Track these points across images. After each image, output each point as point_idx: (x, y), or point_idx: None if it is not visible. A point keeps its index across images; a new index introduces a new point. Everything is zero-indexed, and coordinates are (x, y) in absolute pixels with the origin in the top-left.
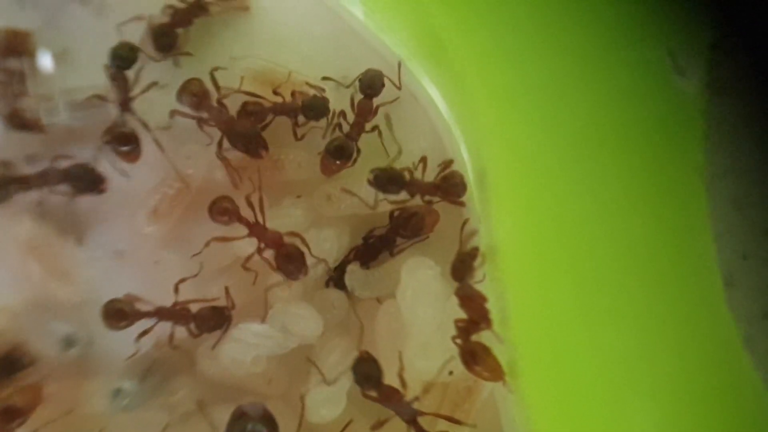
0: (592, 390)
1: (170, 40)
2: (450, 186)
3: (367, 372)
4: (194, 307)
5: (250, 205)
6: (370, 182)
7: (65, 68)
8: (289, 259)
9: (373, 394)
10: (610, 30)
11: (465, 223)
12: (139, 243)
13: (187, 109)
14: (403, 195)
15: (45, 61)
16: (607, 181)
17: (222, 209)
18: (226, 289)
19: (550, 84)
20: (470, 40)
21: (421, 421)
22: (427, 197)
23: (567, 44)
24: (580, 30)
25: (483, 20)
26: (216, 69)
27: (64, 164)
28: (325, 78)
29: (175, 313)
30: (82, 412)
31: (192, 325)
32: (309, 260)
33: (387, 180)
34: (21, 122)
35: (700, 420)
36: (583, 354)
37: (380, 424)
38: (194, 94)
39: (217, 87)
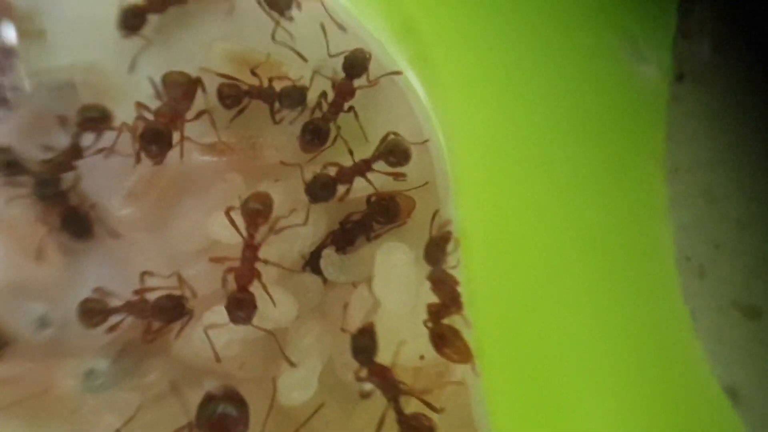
0: (549, 373)
1: (138, 23)
2: (387, 153)
3: (364, 344)
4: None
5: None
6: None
7: (41, 49)
8: (240, 306)
9: (365, 367)
10: (572, 16)
11: (436, 212)
12: (114, 225)
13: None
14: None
15: (21, 42)
16: (567, 167)
17: (255, 212)
18: (179, 276)
19: (512, 70)
20: (436, 25)
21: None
22: (369, 174)
23: (530, 29)
24: (543, 15)
25: (448, 4)
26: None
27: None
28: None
29: (138, 307)
30: (54, 392)
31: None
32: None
33: (319, 189)
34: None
35: (650, 402)
36: (541, 337)
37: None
38: (172, 84)
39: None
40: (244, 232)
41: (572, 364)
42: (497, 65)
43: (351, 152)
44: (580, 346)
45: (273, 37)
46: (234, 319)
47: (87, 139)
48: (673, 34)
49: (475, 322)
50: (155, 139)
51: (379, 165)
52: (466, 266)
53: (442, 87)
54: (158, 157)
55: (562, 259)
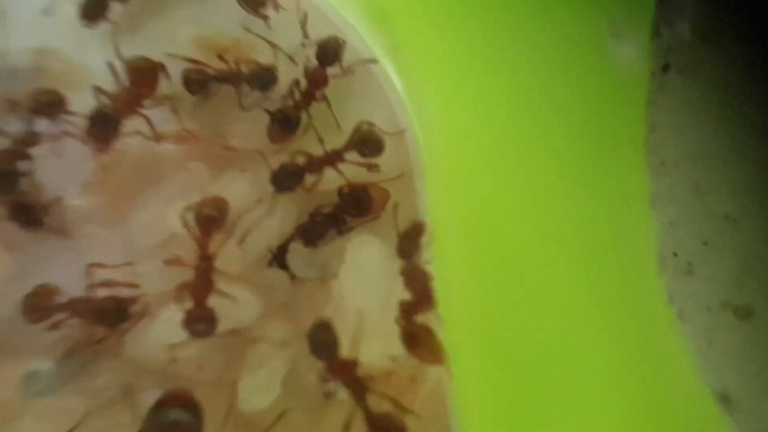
0: (526, 376)
1: (101, 10)
2: (360, 143)
3: (323, 339)
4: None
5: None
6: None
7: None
8: (198, 320)
9: (328, 364)
10: None
11: (405, 204)
12: (68, 216)
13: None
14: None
15: None
16: (546, 157)
17: (208, 219)
18: (109, 282)
19: (490, 57)
20: (412, 11)
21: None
22: (340, 165)
23: (507, 14)
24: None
25: None
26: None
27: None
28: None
29: (81, 308)
30: None
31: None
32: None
33: (286, 178)
34: None
35: (633, 408)
36: (517, 338)
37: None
38: (133, 69)
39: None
40: (199, 240)
41: (550, 366)
42: (474, 52)
43: (321, 141)
44: (560, 347)
45: (248, 29)
46: (194, 333)
47: (41, 125)
48: (652, 15)
49: (448, 321)
50: (102, 123)
51: (352, 155)
52: (440, 261)
53: (417, 75)
54: (103, 143)
55: (540, 254)
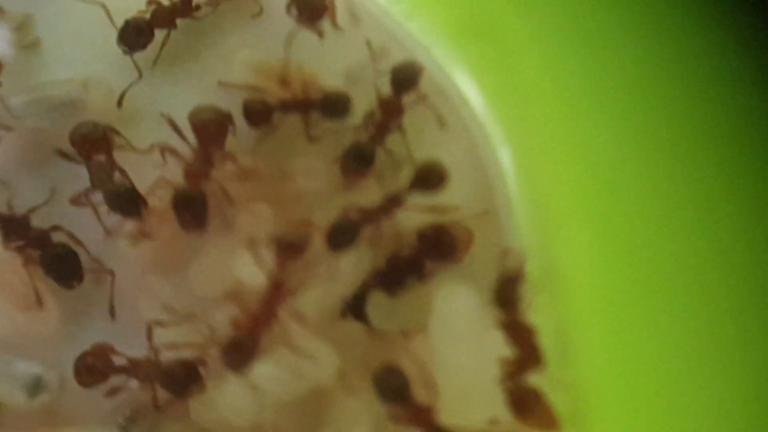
0: None
1: (145, 40)
2: (421, 181)
3: (393, 384)
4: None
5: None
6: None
7: (37, 61)
8: (236, 349)
9: (402, 411)
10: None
11: (502, 247)
12: (120, 266)
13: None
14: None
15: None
16: (714, 192)
17: (288, 245)
18: (174, 345)
19: (637, 72)
20: (530, 17)
21: None
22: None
23: (666, 22)
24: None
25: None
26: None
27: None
28: None
29: (144, 370)
30: None
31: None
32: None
33: (340, 234)
34: None
35: None
36: (668, 406)
37: None
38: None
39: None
40: (272, 268)
41: None
42: (612, 63)
43: (385, 178)
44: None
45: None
46: (225, 362)
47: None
48: None
49: (569, 381)
50: (188, 207)
51: (414, 197)
52: (556, 312)
53: (523, 95)
54: (198, 228)
55: (700, 305)
